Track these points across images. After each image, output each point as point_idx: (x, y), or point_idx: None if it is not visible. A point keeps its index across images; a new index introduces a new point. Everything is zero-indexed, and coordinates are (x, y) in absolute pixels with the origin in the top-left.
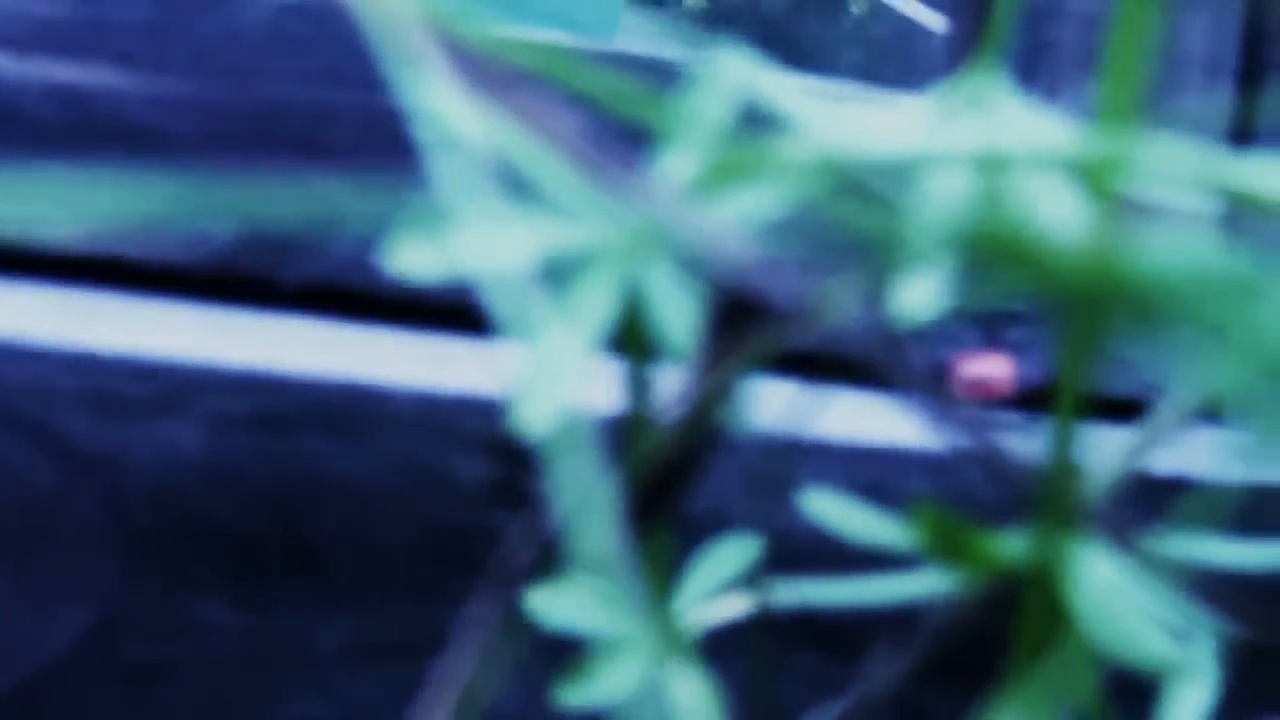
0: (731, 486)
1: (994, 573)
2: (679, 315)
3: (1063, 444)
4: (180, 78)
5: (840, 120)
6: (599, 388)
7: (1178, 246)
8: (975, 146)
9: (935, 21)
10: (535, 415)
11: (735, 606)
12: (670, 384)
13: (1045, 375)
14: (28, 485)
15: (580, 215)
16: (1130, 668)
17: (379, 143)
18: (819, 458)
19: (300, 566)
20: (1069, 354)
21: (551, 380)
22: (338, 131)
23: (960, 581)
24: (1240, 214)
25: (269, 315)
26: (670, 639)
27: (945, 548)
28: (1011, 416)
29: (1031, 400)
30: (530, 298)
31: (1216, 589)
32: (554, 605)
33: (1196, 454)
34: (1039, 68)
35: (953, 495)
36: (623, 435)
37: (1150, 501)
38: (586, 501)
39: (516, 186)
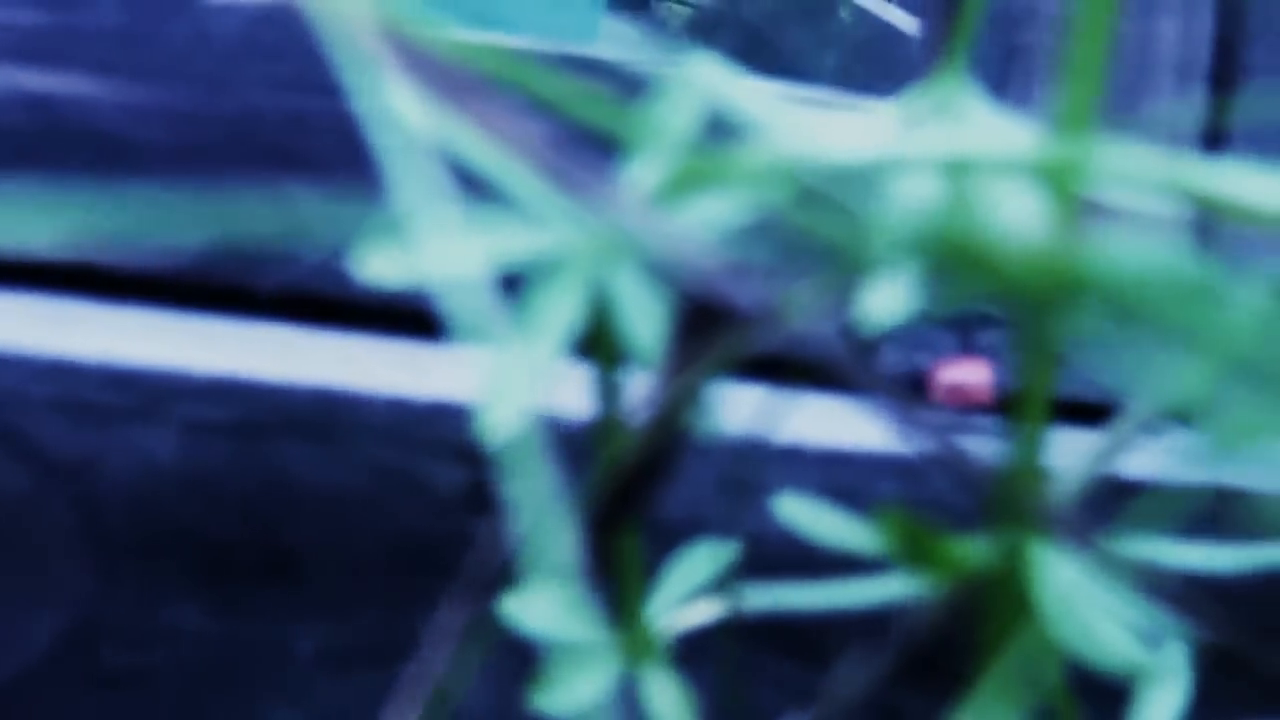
0: (704, 491)
1: (961, 576)
2: (645, 321)
3: (1024, 448)
4: (152, 86)
5: (805, 127)
6: (568, 393)
7: (1135, 249)
8: (937, 151)
9: (917, 27)
10: (499, 421)
11: (707, 612)
12: (638, 388)
13: None
14: (2, 492)
15: (544, 222)
16: (1099, 670)
17: (351, 150)
18: (791, 462)
19: (275, 572)
20: (1029, 358)
21: (516, 386)
22: (309, 139)
23: (929, 585)
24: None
25: (243, 322)
26: (642, 644)
27: (911, 552)
28: (988, 422)
29: (1010, 405)
30: (487, 305)
31: (1180, 592)
32: (525, 611)
33: (1164, 457)
34: (1013, 72)
35: (925, 500)
36: (592, 440)
37: (1118, 505)
38: (543, 509)
39: (480, 192)
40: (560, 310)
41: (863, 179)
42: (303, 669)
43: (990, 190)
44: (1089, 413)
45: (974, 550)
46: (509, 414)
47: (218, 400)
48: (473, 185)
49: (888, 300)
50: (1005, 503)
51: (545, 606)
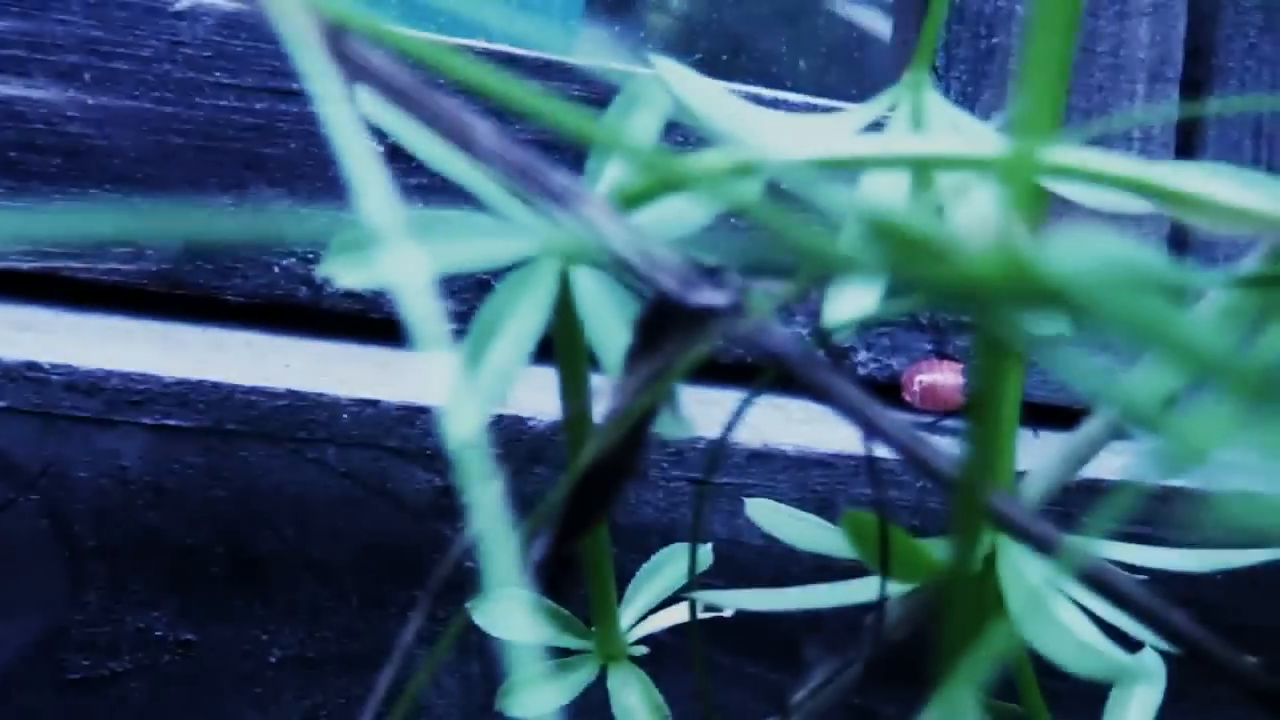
0: (679, 497)
1: (932, 579)
2: (610, 323)
3: (980, 449)
4: (121, 92)
5: (771, 129)
6: (537, 395)
7: (1089, 249)
8: (897, 152)
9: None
10: (463, 425)
11: (679, 615)
12: (604, 390)
13: None
14: None
15: (510, 225)
16: (1070, 673)
17: (321, 156)
18: (768, 466)
19: (243, 578)
20: (984, 359)
21: (480, 391)
22: (279, 145)
23: (902, 588)
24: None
25: (211, 329)
26: (614, 647)
27: (879, 555)
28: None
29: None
30: (440, 310)
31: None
32: (492, 616)
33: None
34: (989, 73)
35: (905, 504)
36: (562, 442)
37: (1094, 506)
38: (499, 513)
39: (446, 197)
40: (526, 313)
41: (827, 180)
42: (272, 675)
43: (950, 190)
44: (1068, 417)
45: (942, 552)
46: (472, 418)
47: (186, 406)
48: (440, 191)
49: (853, 302)
50: (962, 504)
51: (514, 611)
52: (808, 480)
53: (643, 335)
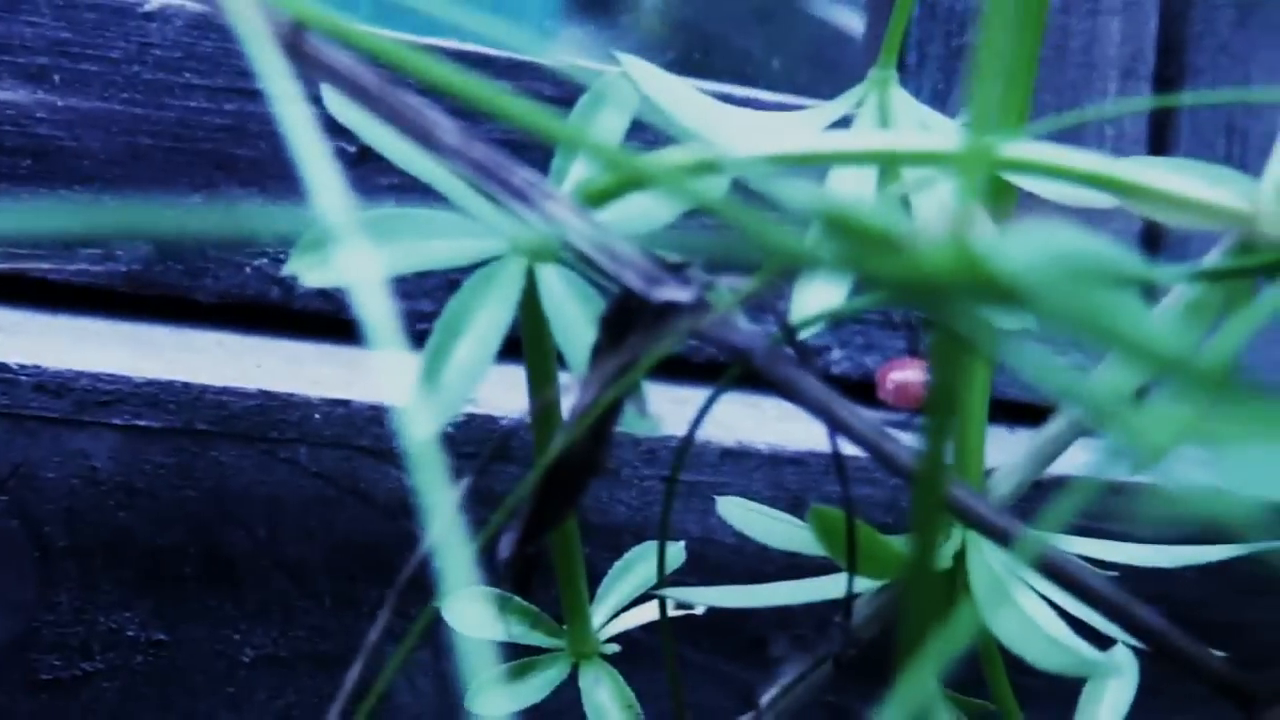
0: (651, 495)
1: (898, 575)
2: (575, 320)
3: (937, 443)
4: (91, 94)
5: (738, 127)
6: (509, 394)
7: (1042, 243)
8: (852, 148)
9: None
10: (426, 424)
11: (651, 613)
12: (571, 387)
13: None
14: None
15: (475, 224)
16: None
17: (292, 157)
18: (742, 465)
19: (215, 578)
20: (940, 353)
21: (445, 388)
22: (249, 146)
23: (873, 585)
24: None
25: (182, 329)
26: (587, 646)
27: (847, 552)
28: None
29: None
30: (394, 309)
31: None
32: (465, 614)
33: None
34: (961, 71)
35: (878, 502)
36: (530, 438)
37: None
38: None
39: (414, 195)
40: (491, 311)
41: (793, 177)
42: (245, 675)
43: (914, 186)
44: (1043, 415)
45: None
46: (435, 417)
47: (156, 406)
48: (413, 190)
49: (819, 298)
50: (921, 498)
51: (483, 609)
52: (781, 478)
53: (607, 331)
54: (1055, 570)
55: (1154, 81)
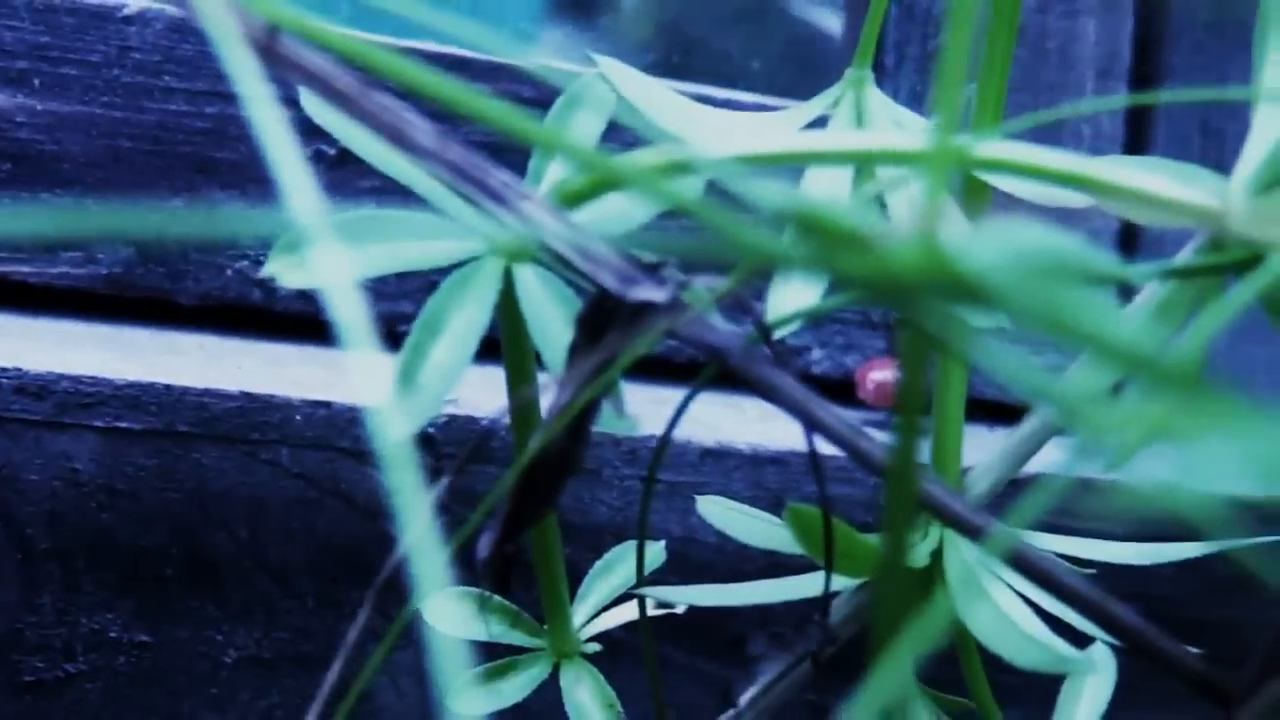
0: (634, 495)
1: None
2: (552, 320)
3: (907, 439)
4: (70, 98)
5: (714, 128)
6: (488, 394)
7: (1008, 241)
8: (822, 148)
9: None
10: (404, 423)
11: (632, 613)
12: (549, 386)
13: None
14: None
15: (453, 225)
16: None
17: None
18: (723, 464)
19: (197, 579)
20: (909, 350)
21: (423, 388)
22: (230, 149)
23: (853, 583)
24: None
25: (163, 331)
26: (568, 645)
27: (822, 550)
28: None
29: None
30: (366, 310)
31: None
32: (445, 614)
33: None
34: (934, 71)
35: (859, 500)
36: (511, 439)
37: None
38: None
39: (398, 199)
40: (469, 311)
41: (768, 177)
42: (228, 676)
43: (890, 185)
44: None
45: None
46: (413, 416)
47: (137, 409)
48: (394, 193)
49: (794, 297)
50: (891, 493)
51: (464, 609)
52: (761, 478)
53: (584, 331)
54: (1029, 566)
55: (1130, 81)
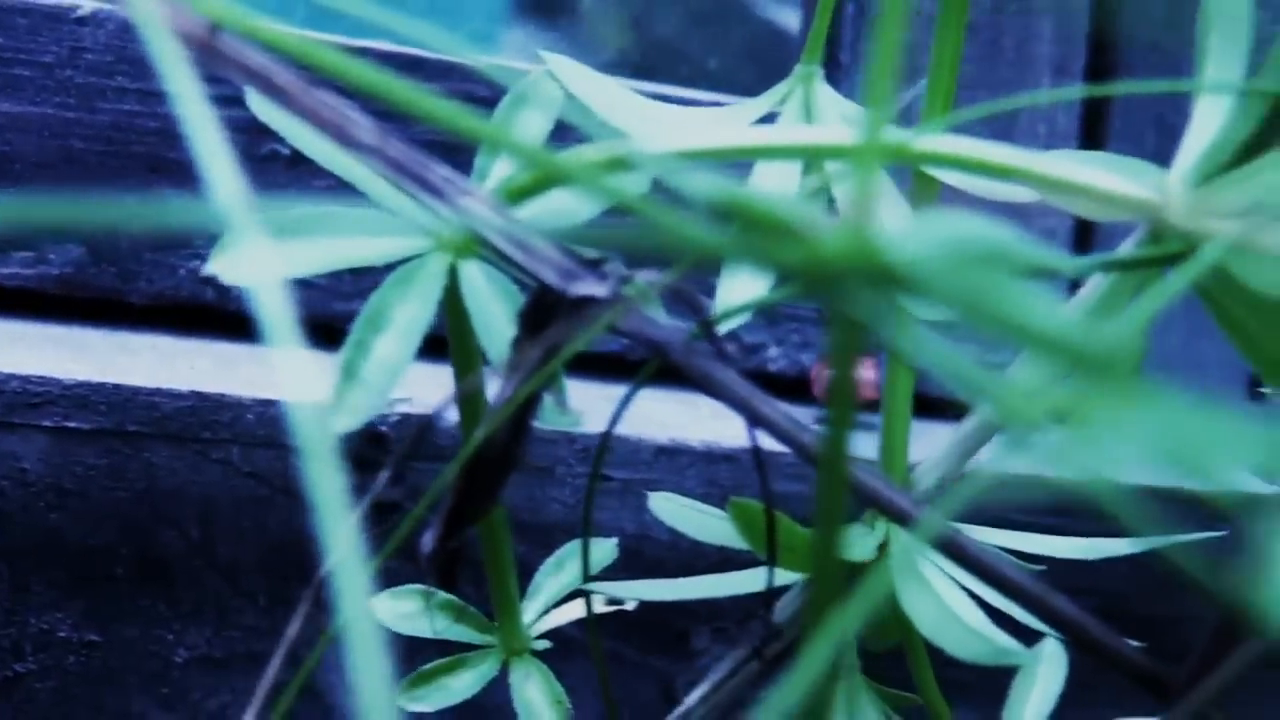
0: (583, 493)
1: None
2: (496, 315)
3: (837, 429)
4: (23, 99)
5: (662, 124)
6: (441, 392)
7: (937, 231)
8: (756, 143)
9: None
10: (345, 420)
11: (582, 609)
12: (494, 382)
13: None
14: None
15: (400, 222)
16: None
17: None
18: (676, 461)
19: (148, 579)
20: (838, 342)
21: (366, 384)
22: (182, 149)
23: (797, 577)
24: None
25: (114, 331)
26: (518, 642)
27: (765, 544)
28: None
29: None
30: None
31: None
32: (395, 612)
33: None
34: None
35: (810, 496)
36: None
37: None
38: (343, 508)
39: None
40: (412, 307)
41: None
42: (179, 675)
43: (824, 179)
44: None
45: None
46: (355, 413)
47: (86, 408)
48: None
49: (738, 291)
50: (822, 483)
51: (407, 606)
52: (715, 475)
53: (526, 326)
54: (967, 557)
55: (1086, 79)
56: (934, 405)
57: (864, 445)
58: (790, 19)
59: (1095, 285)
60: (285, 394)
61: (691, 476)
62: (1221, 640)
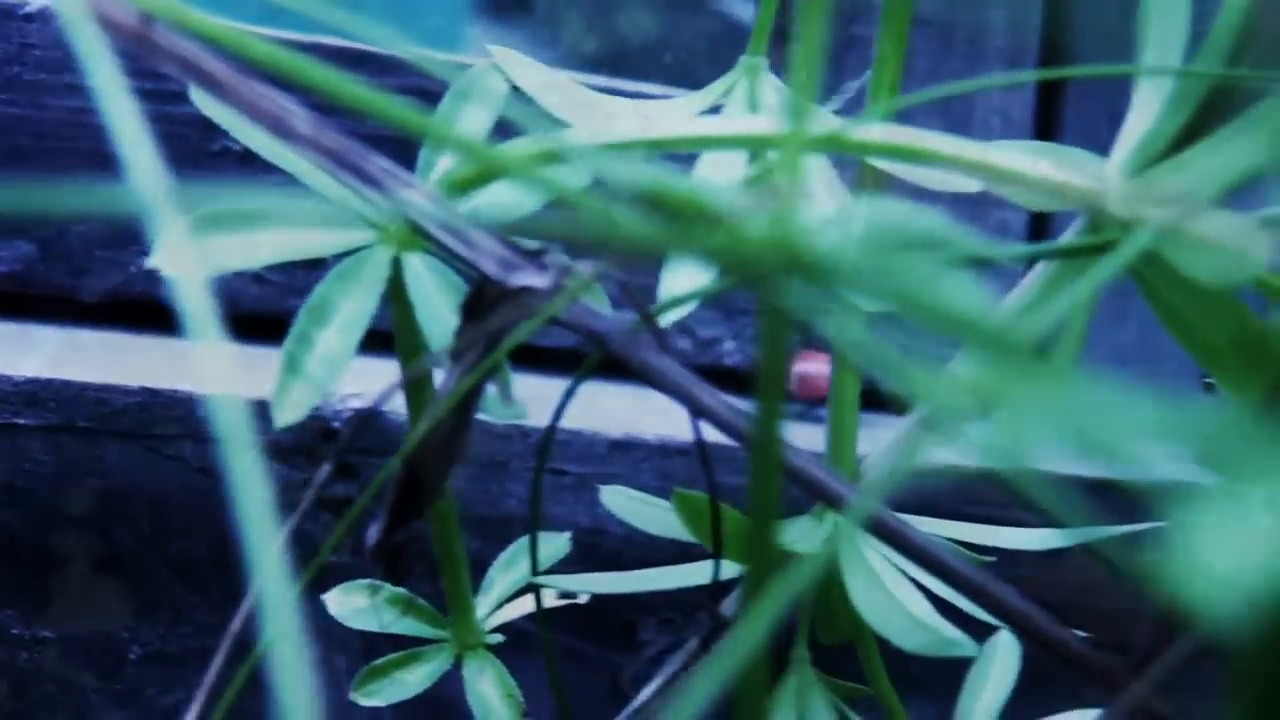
0: (543, 487)
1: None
2: (438, 307)
3: (766, 427)
4: None
5: (607, 116)
6: (370, 381)
7: (862, 220)
8: (686, 134)
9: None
10: (289, 412)
11: (532, 604)
12: (438, 374)
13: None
14: None
15: (345, 214)
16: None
17: (176, 156)
18: (631, 455)
19: (102, 576)
20: (765, 334)
21: (308, 377)
22: None
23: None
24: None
25: (63, 328)
26: (471, 637)
27: (709, 535)
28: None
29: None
30: (210, 301)
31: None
32: (348, 607)
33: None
34: (849, 62)
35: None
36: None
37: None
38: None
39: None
40: (355, 299)
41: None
42: (133, 672)
43: (764, 169)
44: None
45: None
46: (297, 405)
47: (35, 405)
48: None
49: (679, 281)
50: (754, 469)
51: (357, 600)
52: (669, 468)
53: (467, 317)
54: (907, 544)
55: (1039, 69)
56: (884, 399)
57: (813, 438)
58: (749, 13)
59: (1037, 275)
60: (205, 388)
61: (646, 470)
62: (1160, 631)
